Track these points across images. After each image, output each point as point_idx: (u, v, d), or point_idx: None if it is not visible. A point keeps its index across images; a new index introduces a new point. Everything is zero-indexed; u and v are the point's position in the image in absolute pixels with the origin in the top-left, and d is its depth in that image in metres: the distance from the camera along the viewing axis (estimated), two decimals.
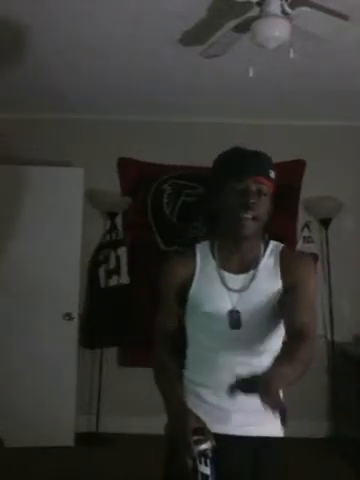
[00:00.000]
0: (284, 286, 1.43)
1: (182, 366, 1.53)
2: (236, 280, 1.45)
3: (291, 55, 2.38)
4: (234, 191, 1.42)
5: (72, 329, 3.72)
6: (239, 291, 1.44)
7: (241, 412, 1.40)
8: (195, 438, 1.22)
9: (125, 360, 4.00)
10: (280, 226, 4.05)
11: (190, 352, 1.54)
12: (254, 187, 1.41)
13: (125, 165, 4.15)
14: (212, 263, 1.50)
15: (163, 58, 3.07)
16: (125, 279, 3.98)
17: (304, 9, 2.25)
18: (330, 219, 4.01)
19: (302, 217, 4.09)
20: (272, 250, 1.50)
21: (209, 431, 1.25)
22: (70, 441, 3.65)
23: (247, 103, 3.81)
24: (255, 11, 2.29)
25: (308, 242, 4.01)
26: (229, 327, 1.42)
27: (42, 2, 2.46)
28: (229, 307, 1.43)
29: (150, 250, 4.09)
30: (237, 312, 1.42)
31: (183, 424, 1.25)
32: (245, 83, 3.15)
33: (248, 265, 1.47)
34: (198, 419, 1.28)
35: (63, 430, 3.64)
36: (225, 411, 1.42)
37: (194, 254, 1.54)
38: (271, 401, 1.14)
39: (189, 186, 4.10)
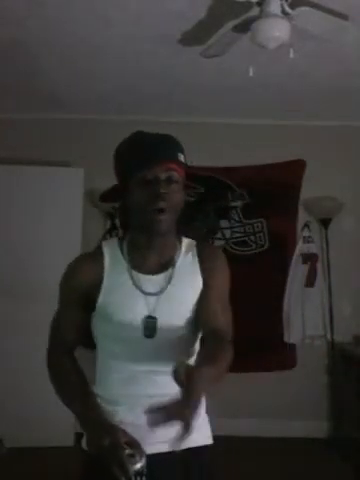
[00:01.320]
0: (204, 282, 1.32)
1: (85, 380, 1.34)
2: (152, 282, 1.28)
3: (291, 55, 2.38)
4: (141, 181, 1.24)
5: None
6: (156, 294, 1.27)
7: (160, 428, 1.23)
8: (127, 454, 1.08)
9: None
10: (280, 226, 4.07)
11: (100, 365, 1.36)
12: (163, 175, 1.24)
13: None
14: (123, 264, 1.30)
15: (163, 58, 3.07)
16: None
17: (304, 9, 2.25)
18: (330, 219, 4.01)
19: (302, 217, 4.09)
20: (188, 246, 1.36)
21: (139, 445, 1.11)
22: (70, 441, 3.64)
23: (247, 103, 3.81)
24: (255, 11, 2.29)
25: (308, 242, 4.01)
26: (142, 335, 1.25)
27: (41, 1, 2.46)
28: (145, 313, 1.26)
29: None
30: (153, 318, 1.25)
31: (113, 440, 1.09)
32: (245, 83, 3.15)
33: (165, 264, 1.31)
34: (125, 432, 1.13)
35: (63, 430, 3.63)
36: (142, 429, 1.17)
37: (101, 255, 1.33)
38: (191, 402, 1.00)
39: (189, 186, 4.09)
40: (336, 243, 4.01)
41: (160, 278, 1.29)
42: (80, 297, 1.32)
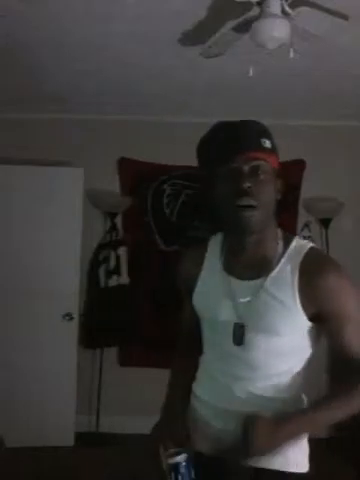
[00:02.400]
0: (305, 306, 1.13)
1: (192, 374, 1.35)
2: (242, 287, 1.18)
3: (291, 55, 2.38)
4: (223, 176, 1.13)
5: (72, 329, 3.72)
6: (245, 301, 1.17)
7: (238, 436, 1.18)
8: (171, 450, 1.14)
9: (125, 360, 4.00)
10: (280, 226, 4.07)
11: (201, 361, 1.33)
12: (246, 166, 1.11)
13: (125, 165, 4.15)
14: (218, 262, 1.25)
15: (163, 58, 3.07)
16: (125, 279, 3.98)
17: (304, 9, 2.25)
18: (330, 219, 4.01)
19: (302, 217, 4.09)
20: (293, 252, 1.18)
21: (188, 443, 1.16)
22: (70, 441, 3.65)
23: (247, 103, 3.80)
24: (255, 11, 2.29)
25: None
26: (232, 342, 1.18)
27: (42, 1, 2.46)
28: (231, 318, 1.19)
29: (150, 250, 4.09)
30: (241, 326, 1.17)
31: (157, 432, 1.20)
32: (245, 83, 3.15)
33: (258, 269, 1.18)
34: (178, 429, 1.21)
35: (63, 430, 3.64)
36: (221, 432, 1.21)
37: (205, 248, 1.30)
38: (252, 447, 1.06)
39: (189, 186, 4.10)
40: (336, 243, 4.01)
41: (251, 285, 1.17)
42: (185, 288, 1.32)
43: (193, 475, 1.13)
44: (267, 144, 1.14)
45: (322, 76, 3.28)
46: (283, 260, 1.17)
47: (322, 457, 3.44)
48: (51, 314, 3.69)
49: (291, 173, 4.09)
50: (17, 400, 3.60)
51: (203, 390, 1.28)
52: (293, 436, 1.12)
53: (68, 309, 3.71)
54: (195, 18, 2.57)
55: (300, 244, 1.20)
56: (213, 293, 1.23)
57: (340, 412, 1.14)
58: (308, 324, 1.16)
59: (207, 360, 1.28)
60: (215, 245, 1.29)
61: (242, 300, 1.17)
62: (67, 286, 3.72)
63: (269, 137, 1.16)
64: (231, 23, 2.46)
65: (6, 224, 3.75)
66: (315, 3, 2.28)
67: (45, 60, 3.15)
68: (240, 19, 2.39)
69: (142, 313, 3.96)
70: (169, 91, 3.62)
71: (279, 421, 1.09)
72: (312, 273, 1.14)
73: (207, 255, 1.28)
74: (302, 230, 4.05)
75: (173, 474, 1.11)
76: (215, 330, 1.23)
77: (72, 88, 3.61)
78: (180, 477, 1.11)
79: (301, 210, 4.10)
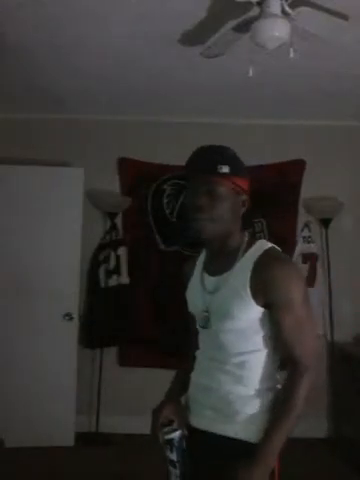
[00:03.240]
0: (255, 296, 1.31)
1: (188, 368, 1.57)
2: (211, 282, 1.42)
3: (291, 55, 2.38)
4: (188, 191, 1.40)
5: (72, 329, 3.72)
6: (211, 293, 1.41)
7: (211, 409, 1.40)
8: (167, 429, 1.40)
9: (125, 360, 4.00)
10: (280, 226, 4.07)
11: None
12: (204, 187, 1.35)
13: (125, 165, 4.15)
14: (202, 264, 1.51)
15: (163, 58, 3.07)
16: (125, 279, 3.98)
17: (304, 9, 2.25)
18: (330, 219, 4.01)
19: (302, 217, 4.09)
20: (253, 251, 1.37)
21: (181, 422, 1.42)
22: (70, 441, 3.65)
23: (247, 103, 3.81)
24: (255, 11, 2.29)
25: (308, 242, 4.01)
26: (200, 326, 1.45)
27: (42, 1, 2.46)
28: (201, 307, 1.43)
29: (150, 250, 4.09)
30: (206, 312, 1.41)
31: (155, 414, 1.45)
32: (245, 83, 3.16)
33: (225, 267, 1.40)
34: (174, 411, 1.45)
35: (63, 430, 3.64)
36: (206, 407, 1.41)
37: (199, 255, 1.56)
38: None
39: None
40: (336, 243, 4.01)
41: (217, 279, 1.41)
42: (185, 288, 1.56)
43: (185, 448, 1.41)
44: (224, 169, 1.35)
45: (322, 76, 3.29)
46: (243, 258, 1.37)
47: (322, 457, 3.47)
48: (51, 314, 3.69)
49: (291, 173, 4.09)
50: (17, 400, 3.60)
51: (194, 373, 1.51)
52: (273, 457, 1.33)
53: (68, 309, 3.71)
54: (195, 18, 2.58)
55: (261, 245, 1.39)
56: (193, 288, 1.50)
57: (292, 423, 1.36)
58: (261, 310, 1.33)
59: (199, 349, 1.51)
60: (206, 249, 1.53)
61: (210, 292, 1.41)
62: (67, 286, 3.72)
63: (228, 163, 1.36)
64: (231, 23, 2.46)
65: (6, 224, 3.75)
66: (315, 3, 2.29)
67: (45, 60, 3.15)
68: (240, 19, 2.39)
69: (142, 313, 3.96)
70: (169, 91, 3.63)
71: (254, 459, 1.28)
72: (260, 267, 1.33)
73: (199, 258, 1.54)
74: (302, 230, 4.05)
75: (169, 447, 1.39)
76: (195, 318, 1.48)
77: (72, 88, 3.61)
78: (174, 449, 1.38)
79: (301, 210, 4.10)
